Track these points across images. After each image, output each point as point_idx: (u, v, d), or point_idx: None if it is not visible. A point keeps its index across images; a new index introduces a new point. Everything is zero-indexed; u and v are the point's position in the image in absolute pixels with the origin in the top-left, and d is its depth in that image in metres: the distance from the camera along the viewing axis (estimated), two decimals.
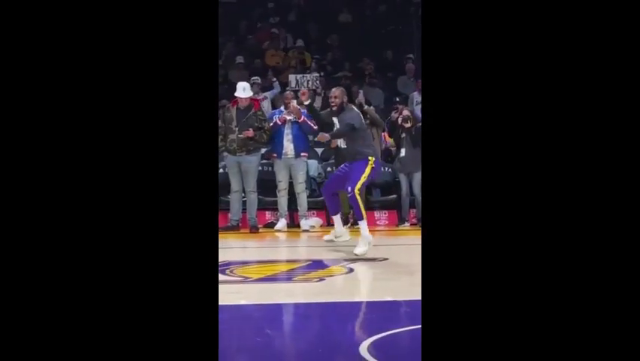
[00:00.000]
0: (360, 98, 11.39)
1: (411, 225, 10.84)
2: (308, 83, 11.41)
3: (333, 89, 8.57)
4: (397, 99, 12.24)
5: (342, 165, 8.62)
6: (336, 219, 8.62)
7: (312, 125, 10.44)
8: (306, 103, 9.30)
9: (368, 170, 8.12)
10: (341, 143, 8.48)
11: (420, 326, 4.99)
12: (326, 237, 8.79)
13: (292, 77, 11.54)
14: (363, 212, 8.14)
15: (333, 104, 8.32)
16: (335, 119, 8.32)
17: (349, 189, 8.02)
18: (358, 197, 8.05)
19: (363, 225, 8.19)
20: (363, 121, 8.51)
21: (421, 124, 11.03)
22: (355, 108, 8.64)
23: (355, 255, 8.02)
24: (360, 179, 8.06)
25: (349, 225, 10.56)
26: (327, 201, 8.70)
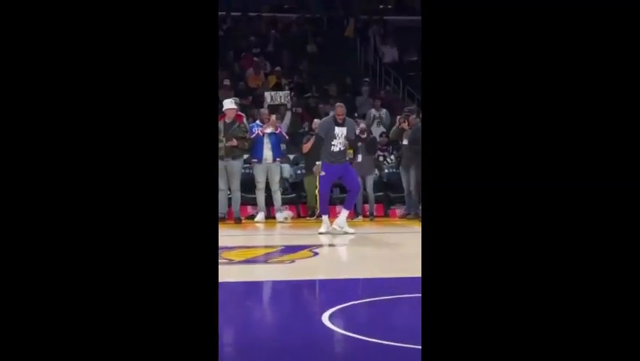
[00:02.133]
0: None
1: (363, 217, 10.89)
2: (280, 98, 11.50)
3: (339, 105, 9.06)
4: (356, 115, 12.33)
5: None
6: (325, 218, 8.91)
7: (285, 135, 10.81)
8: (268, 131, 10.01)
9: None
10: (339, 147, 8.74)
11: (369, 300, 5.08)
12: (321, 230, 8.94)
13: (267, 94, 11.61)
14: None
15: (341, 116, 8.76)
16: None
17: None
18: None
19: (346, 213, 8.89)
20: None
21: (372, 135, 11.13)
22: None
23: (345, 231, 8.67)
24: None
25: (315, 216, 10.60)
26: (322, 201, 8.97)
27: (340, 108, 8.91)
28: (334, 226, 8.87)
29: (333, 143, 8.70)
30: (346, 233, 8.82)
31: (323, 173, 8.75)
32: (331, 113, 9.23)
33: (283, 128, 11.81)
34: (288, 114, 11.78)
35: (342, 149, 8.74)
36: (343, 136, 8.73)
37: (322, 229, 8.89)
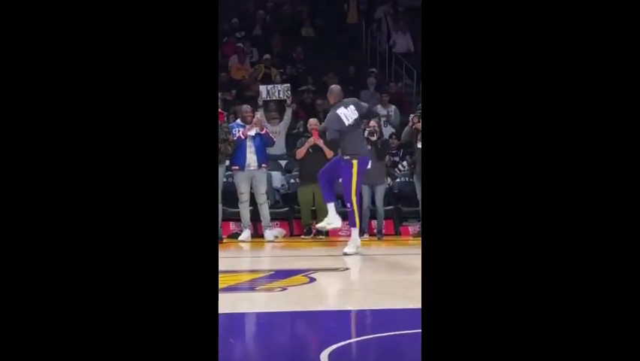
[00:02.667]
0: None
1: (370, 235, 10.86)
2: (279, 93, 11.44)
3: (332, 91, 9.02)
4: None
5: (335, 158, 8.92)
6: (331, 206, 8.95)
7: (272, 137, 10.70)
8: (251, 133, 10.09)
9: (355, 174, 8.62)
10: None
11: (378, 335, 5.07)
12: (318, 225, 9.27)
13: (263, 88, 11.55)
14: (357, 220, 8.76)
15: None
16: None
17: (348, 205, 8.63)
18: (355, 207, 8.63)
19: (355, 231, 8.83)
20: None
21: (384, 137, 11.13)
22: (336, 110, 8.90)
23: (344, 253, 8.68)
24: (351, 186, 8.56)
25: (312, 235, 10.60)
26: (323, 188, 9.00)
27: (333, 96, 8.88)
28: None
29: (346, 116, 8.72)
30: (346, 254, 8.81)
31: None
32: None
33: (283, 128, 11.79)
34: (288, 112, 11.76)
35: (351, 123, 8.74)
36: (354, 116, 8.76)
37: (349, 249, 8.84)
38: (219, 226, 10.22)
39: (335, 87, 9.12)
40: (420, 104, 11.80)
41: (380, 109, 13.10)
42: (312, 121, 10.98)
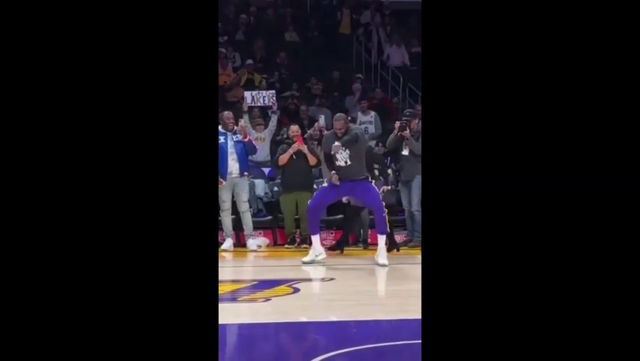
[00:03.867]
0: (321, 123, 11.44)
1: (354, 245, 10.85)
2: (264, 100, 11.41)
3: (337, 119, 9.25)
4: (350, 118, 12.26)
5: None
6: (316, 238, 9.10)
7: (255, 146, 10.69)
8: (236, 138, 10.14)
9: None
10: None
11: (364, 347, 5.04)
12: (305, 259, 9.10)
13: (248, 94, 11.51)
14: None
15: (340, 130, 9.00)
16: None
17: (383, 208, 8.94)
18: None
19: (384, 238, 9.02)
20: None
21: (368, 145, 11.10)
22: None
23: (383, 264, 8.84)
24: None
25: (296, 244, 10.57)
26: (314, 219, 9.19)
27: (338, 123, 9.12)
28: (376, 258, 9.01)
29: (337, 157, 8.99)
30: (378, 264, 8.93)
31: (338, 183, 9.02)
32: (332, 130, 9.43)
33: (268, 135, 11.75)
34: (274, 118, 11.74)
35: (349, 163, 8.98)
36: (347, 150, 8.97)
37: (307, 258, 8.95)
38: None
39: (339, 116, 9.35)
40: (405, 111, 11.81)
41: (360, 116, 13.14)
42: (294, 128, 10.91)
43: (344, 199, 10.08)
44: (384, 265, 8.89)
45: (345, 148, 8.94)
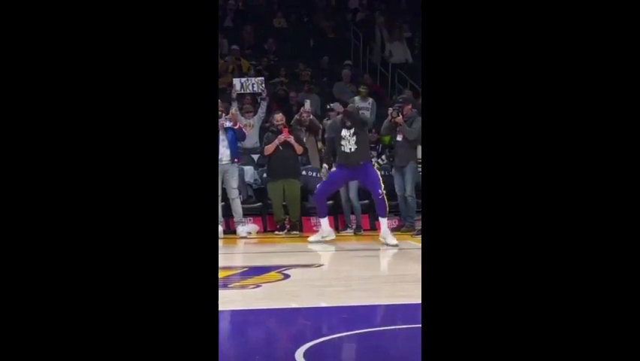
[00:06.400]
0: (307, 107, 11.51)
1: (343, 230, 10.90)
2: (253, 87, 11.44)
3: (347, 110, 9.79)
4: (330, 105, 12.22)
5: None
6: (324, 221, 9.74)
7: (245, 132, 10.73)
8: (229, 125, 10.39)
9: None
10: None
11: (354, 332, 5.10)
12: (311, 238, 9.77)
13: (236, 81, 11.53)
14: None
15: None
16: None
17: (379, 192, 9.33)
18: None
19: (385, 221, 9.56)
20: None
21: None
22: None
23: (394, 245, 9.32)
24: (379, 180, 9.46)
25: (286, 231, 10.62)
26: (321, 203, 9.77)
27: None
28: (380, 238, 9.51)
29: (342, 143, 9.48)
30: (388, 245, 9.36)
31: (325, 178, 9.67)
32: (339, 116, 9.73)
33: (257, 121, 11.77)
34: (263, 105, 11.77)
35: (354, 149, 9.45)
36: (354, 137, 9.47)
37: (313, 237, 9.57)
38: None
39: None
40: (398, 97, 11.84)
41: (357, 101, 13.09)
42: (278, 117, 10.86)
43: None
44: (395, 245, 9.30)
45: (353, 134, 9.32)
